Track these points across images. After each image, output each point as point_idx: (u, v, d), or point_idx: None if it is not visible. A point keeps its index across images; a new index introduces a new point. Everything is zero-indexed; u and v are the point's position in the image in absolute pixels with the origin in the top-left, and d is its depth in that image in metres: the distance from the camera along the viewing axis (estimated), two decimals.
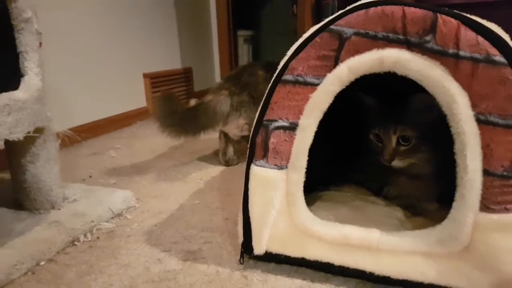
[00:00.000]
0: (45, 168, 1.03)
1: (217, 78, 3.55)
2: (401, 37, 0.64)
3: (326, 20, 0.69)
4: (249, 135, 1.57)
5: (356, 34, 0.66)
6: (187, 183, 1.39)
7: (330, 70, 0.69)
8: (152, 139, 2.02)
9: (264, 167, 0.75)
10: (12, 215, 1.03)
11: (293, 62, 0.71)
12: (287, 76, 0.71)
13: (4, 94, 0.85)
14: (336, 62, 0.68)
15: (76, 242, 0.97)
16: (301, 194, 0.76)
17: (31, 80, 0.93)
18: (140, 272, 0.85)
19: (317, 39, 0.69)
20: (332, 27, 0.68)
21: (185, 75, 2.99)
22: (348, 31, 0.67)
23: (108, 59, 2.18)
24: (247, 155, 0.78)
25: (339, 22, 0.68)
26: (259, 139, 0.75)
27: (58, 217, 1.02)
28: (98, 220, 1.06)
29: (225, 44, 3.44)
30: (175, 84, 2.86)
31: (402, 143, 0.85)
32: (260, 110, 0.75)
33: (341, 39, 0.67)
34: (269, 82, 1.58)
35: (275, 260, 0.81)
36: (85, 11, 2.01)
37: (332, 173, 1.05)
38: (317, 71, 0.69)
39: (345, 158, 1.05)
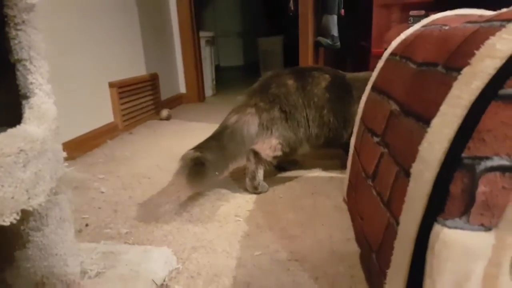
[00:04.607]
0: (57, 234, 0.68)
1: (182, 84, 3.21)
2: None
3: None
4: (282, 156, 1.36)
5: None
6: (223, 223, 1.08)
7: None
8: (138, 162, 1.65)
9: (462, 229, 0.50)
10: None
11: None
12: None
13: (13, 131, 0.50)
14: None
15: None
16: (509, 264, 0.52)
17: (42, 104, 0.58)
18: None
19: None
20: None
21: (152, 82, 2.61)
22: None
23: (70, 68, 1.76)
24: (423, 210, 0.53)
25: None
26: (456, 188, 0.49)
27: None
28: None
29: (189, 47, 3.11)
30: (143, 93, 2.46)
31: None
32: (453, 142, 0.50)
33: None
34: (301, 93, 1.37)
35: None
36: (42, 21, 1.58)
37: None
38: None
39: None
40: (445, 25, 0.78)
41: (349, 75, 1.40)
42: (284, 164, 1.50)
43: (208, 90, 3.57)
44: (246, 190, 1.30)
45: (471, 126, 0.49)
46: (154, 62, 2.67)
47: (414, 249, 0.54)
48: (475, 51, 0.52)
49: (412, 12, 1.78)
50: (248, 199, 1.25)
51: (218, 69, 5.72)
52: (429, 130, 0.54)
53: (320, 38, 2.08)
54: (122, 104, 2.18)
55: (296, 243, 0.96)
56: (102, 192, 1.32)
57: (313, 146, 1.39)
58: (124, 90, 2.20)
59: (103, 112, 2.05)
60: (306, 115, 1.29)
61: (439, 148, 0.51)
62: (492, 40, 0.51)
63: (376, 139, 0.87)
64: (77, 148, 1.75)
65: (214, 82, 3.79)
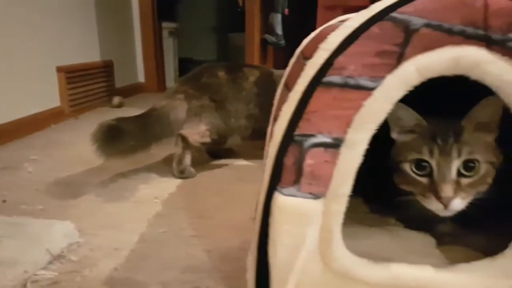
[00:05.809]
0: None
1: (140, 73, 3.21)
2: (480, 32, 0.52)
3: (383, 4, 0.54)
4: (210, 142, 1.42)
5: (427, 25, 0.52)
6: (140, 204, 1.13)
7: (390, 71, 0.53)
8: (76, 147, 1.67)
9: (295, 196, 0.57)
10: None
11: (340, 59, 0.54)
12: (333, 78, 0.54)
13: None
14: (399, 60, 0.53)
15: None
16: (339, 230, 0.60)
17: None
18: None
19: (375, 29, 0.53)
20: (395, 14, 0.53)
21: (105, 69, 2.61)
22: (417, 21, 0.52)
23: (13, 49, 1.75)
24: (268, 180, 0.60)
25: (405, 9, 0.53)
26: (288, 160, 0.57)
27: None
28: (33, 268, 0.77)
29: (149, 36, 3.13)
30: (95, 80, 2.47)
31: (465, 173, 0.61)
32: (289, 122, 0.57)
33: (407, 31, 0.53)
34: (231, 85, 1.43)
35: None
36: None
37: None
38: (374, 71, 0.53)
39: None
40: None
41: (276, 72, 1.47)
42: (219, 152, 1.56)
43: (170, 81, 3.59)
44: (173, 175, 1.35)
45: (302, 109, 0.56)
46: (109, 49, 2.66)
47: (262, 215, 0.60)
48: (319, 45, 0.59)
49: None
50: (173, 183, 1.30)
51: (190, 63, 5.70)
52: (281, 113, 0.61)
53: (267, 36, 2.15)
54: (70, 89, 2.18)
55: (205, 223, 1.02)
56: (29, 172, 1.34)
57: (243, 137, 1.45)
58: (73, 75, 2.20)
59: (48, 96, 2.05)
60: (235, 107, 1.36)
61: (282, 128, 0.58)
62: (330, 35, 0.58)
63: None
64: (18, 130, 1.75)
65: (177, 73, 3.81)
